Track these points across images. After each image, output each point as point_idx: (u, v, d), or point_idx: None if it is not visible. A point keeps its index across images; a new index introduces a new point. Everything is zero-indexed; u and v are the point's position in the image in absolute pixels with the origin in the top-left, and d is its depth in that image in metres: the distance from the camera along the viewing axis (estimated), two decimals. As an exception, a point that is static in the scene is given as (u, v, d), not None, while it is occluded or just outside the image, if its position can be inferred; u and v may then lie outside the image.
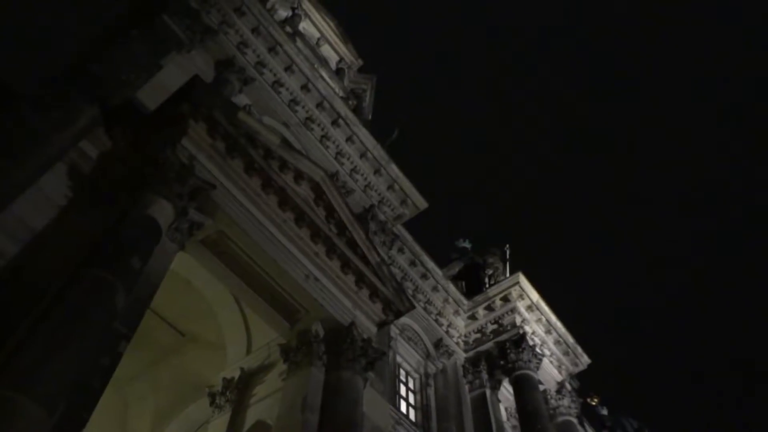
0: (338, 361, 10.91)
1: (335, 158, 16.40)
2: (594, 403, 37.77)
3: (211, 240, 10.59)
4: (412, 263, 19.75)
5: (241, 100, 13.90)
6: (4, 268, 7.79)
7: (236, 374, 12.10)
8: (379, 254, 12.50)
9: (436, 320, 20.13)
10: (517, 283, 20.82)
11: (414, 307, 14.11)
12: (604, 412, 38.33)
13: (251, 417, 11.25)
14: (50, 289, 7.67)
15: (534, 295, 20.97)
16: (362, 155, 17.05)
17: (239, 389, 11.85)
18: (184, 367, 14.38)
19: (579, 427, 21.39)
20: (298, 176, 11.65)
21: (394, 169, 17.55)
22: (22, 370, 6.26)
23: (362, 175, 17.02)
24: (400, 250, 19.31)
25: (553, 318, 21.53)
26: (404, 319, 17.26)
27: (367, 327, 11.86)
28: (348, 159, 16.74)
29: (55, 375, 6.37)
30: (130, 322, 7.99)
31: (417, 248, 19.99)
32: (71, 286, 7.39)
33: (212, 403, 12.15)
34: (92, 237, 8.52)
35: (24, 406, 5.93)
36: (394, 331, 16.93)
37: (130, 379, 14.86)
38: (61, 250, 8.30)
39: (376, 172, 17.29)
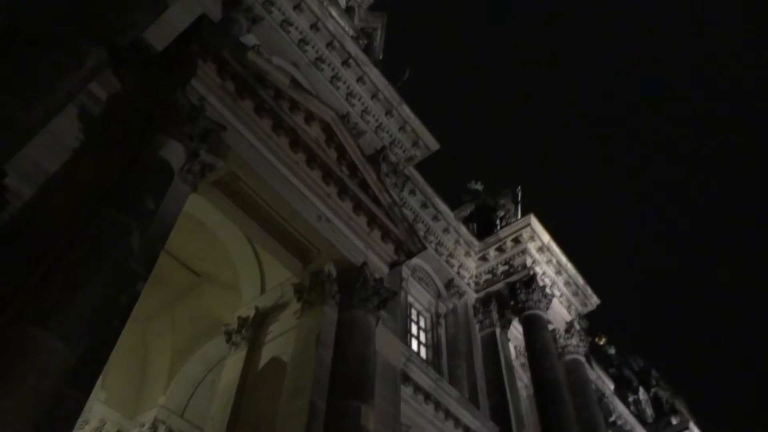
0: (351, 300, 11.11)
1: (346, 99, 16.21)
2: (602, 343, 38.44)
3: (224, 182, 10.64)
4: (424, 205, 19.79)
5: (250, 40, 13.65)
6: (21, 209, 7.88)
7: (251, 313, 12.37)
8: (390, 195, 12.52)
9: (447, 261, 20.34)
10: (529, 224, 20.88)
11: (425, 248, 14.23)
12: (612, 351, 39.04)
13: (267, 354, 11.57)
14: (66, 231, 7.79)
15: (545, 237, 21.05)
16: (373, 96, 16.84)
17: (254, 327, 12.14)
18: (200, 306, 14.73)
19: (586, 366, 21.82)
20: (309, 117, 11.56)
21: (405, 110, 17.35)
22: (44, 308, 6.43)
23: (373, 116, 16.86)
24: (412, 192, 19.32)
25: (564, 259, 21.67)
26: (415, 260, 17.44)
27: (379, 267, 12.01)
28: (359, 100, 16.55)
29: (76, 312, 6.54)
30: (146, 263, 8.12)
31: (428, 190, 19.99)
32: (87, 227, 7.49)
33: (228, 340, 12.47)
34: (105, 179, 8.59)
35: (47, 341, 6.12)
36: (405, 271, 17.14)
37: (149, 318, 15.29)
38: (76, 191, 8.38)
39: (388, 113, 17.11)
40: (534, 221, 20.95)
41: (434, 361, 17.16)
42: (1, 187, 7.46)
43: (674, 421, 32.41)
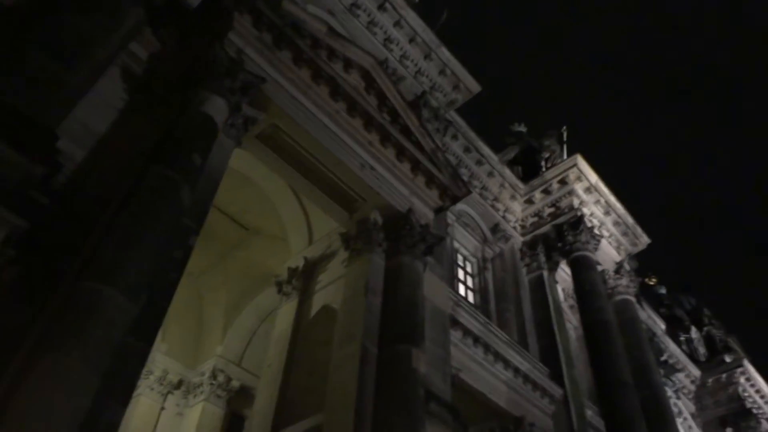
0: (398, 247, 11.18)
1: (383, 45, 15.91)
2: (652, 284, 37.84)
3: (266, 134, 10.69)
4: (467, 150, 19.54)
5: (283, -12, 13.43)
6: (75, 171, 8.10)
7: (300, 263, 12.61)
8: (433, 140, 12.39)
9: (493, 206, 20.17)
10: (575, 165, 20.43)
11: (470, 192, 14.13)
12: (663, 291, 38.44)
13: (317, 302, 11.84)
14: (119, 189, 8.01)
15: (592, 177, 20.59)
16: (411, 40, 16.48)
17: (304, 277, 12.39)
18: (250, 259, 15.10)
19: (637, 306, 21.60)
20: (348, 65, 11.43)
21: (444, 53, 16.95)
22: (105, 264, 6.68)
23: (412, 60, 16.54)
24: (454, 137, 19.06)
25: (612, 199, 21.22)
26: (460, 206, 17.35)
27: (425, 213, 12.00)
28: (397, 45, 16.22)
29: (135, 267, 6.78)
30: (196, 218, 8.33)
31: (471, 134, 19.68)
32: (139, 186, 7.68)
33: (279, 291, 12.79)
34: (152, 137, 8.74)
35: (111, 295, 6.38)
36: (450, 217, 17.09)
37: (202, 272, 15.78)
38: (125, 151, 8.56)
39: (427, 57, 16.75)
40: (580, 161, 20.47)
41: (482, 305, 17.26)
42: (55, 150, 7.64)
43: (728, 359, 31.92)
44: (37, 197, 7.04)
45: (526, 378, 15.69)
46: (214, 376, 15.66)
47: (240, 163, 11.62)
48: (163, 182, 7.66)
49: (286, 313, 12.23)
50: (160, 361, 15.80)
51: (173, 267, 7.77)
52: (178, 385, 16.19)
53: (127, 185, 7.95)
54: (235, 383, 15.91)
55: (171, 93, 9.30)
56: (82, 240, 7.39)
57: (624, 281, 20.92)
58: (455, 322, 13.87)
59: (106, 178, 8.18)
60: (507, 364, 15.30)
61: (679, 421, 22.06)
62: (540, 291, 18.99)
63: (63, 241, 7.30)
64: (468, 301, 16.09)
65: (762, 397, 31.14)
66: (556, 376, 16.64)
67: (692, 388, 30.03)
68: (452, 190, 12.54)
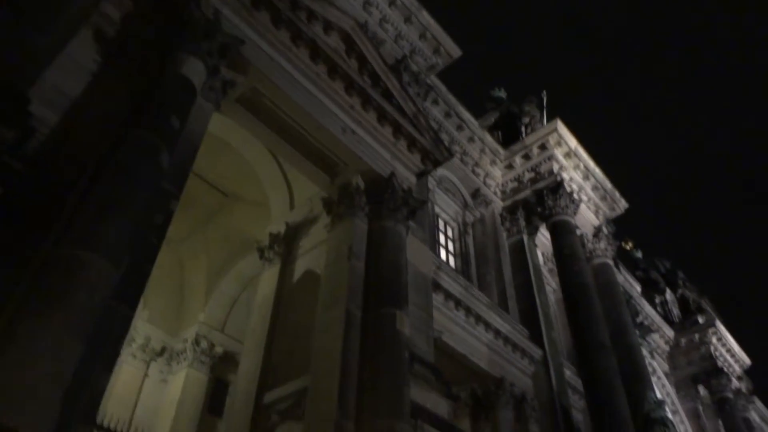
0: (380, 212, 11.18)
1: (363, 8, 15.62)
2: (629, 248, 38.49)
3: (246, 98, 10.51)
4: (447, 114, 19.46)
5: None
6: (49, 136, 7.90)
7: (282, 229, 12.55)
8: (415, 104, 12.31)
9: (473, 171, 20.22)
10: (555, 129, 20.48)
11: (452, 155, 14.13)
12: (639, 255, 39.15)
13: (300, 267, 11.84)
14: (96, 153, 7.84)
15: (572, 142, 20.69)
16: (391, 3, 16.21)
17: (286, 243, 12.35)
18: (231, 225, 15.00)
19: (614, 269, 21.98)
20: (327, 27, 11.23)
21: (425, 17, 16.72)
22: (84, 229, 6.57)
23: (392, 24, 16.29)
24: (435, 102, 18.95)
25: (591, 164, 21.38)
26: (441, 171, 17.37)
27: (407, 177, 11.99)
28: (376, 8, 15.94)
29: (115, 232, 6.68)
30: (176, 182, 8.22)
31: (452, 99, 19.58)
32: (116, 149, 7.53)
33: (261, 257, 12.75)
34: (128, 100, 8.53)
35: (92, 260, 6.30)
36: (431, 182, 17.11)
37: (182, 239, 15.65)
38: (100, 114, 8.35)
39: (407, 20, 16.51)
40: (560, 126, 20.53)
41: (463, 269, 17.43)
42: (27, 113, 7.43)
43: (700, 320, 32.81)
44: (9, 162, 6.87)
45: (507, 340, 15.97)
46: (197, 342, 15.68)
47: (219, 128, 11.44)
48: (142, 145, 7.51)
49: (269, 278, 12.21)
50: (142, 328, 15.75)
51: (154, 232, 7.68)
52: (161, 352, 16.19)
53: (103, 149, 7.78)
54: (219, 349, 15.96)
55: (147, 55, 9.05)
56: (59, 205, 7.25)
57: (602, 245, 21.24)
58: (437, 286, 14.00)
59: (82, 143, 7.98)
60: (488, 326, 15.54)
61: (653, 380, 22.66)
62: (520, 255, 19.21)
63: (40, 206, 7.14)
64: (449, 266, 16.24)
65: (732, 355, 32.15)
66: (536, 338, 16.96)
67: (666, 348, 30.88)
68: (434, 154, 12.52)
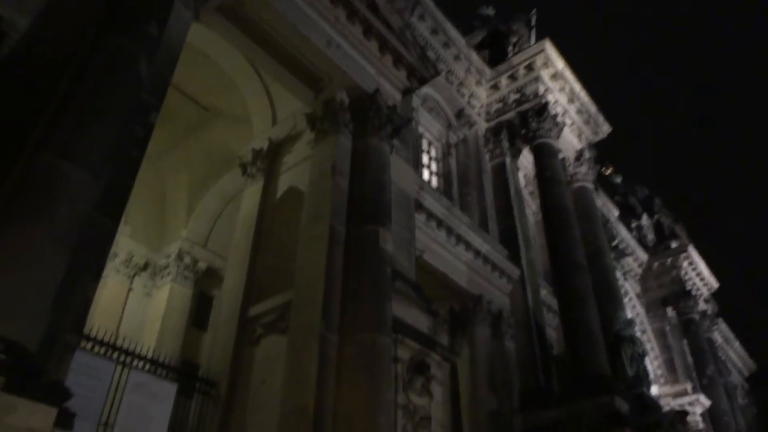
0: (364, 129, 11.06)
1: None
2: (609, 173, 38.84)
3: (227, 6, 10.07)
4: (434, 31, 18.91)
5: None
6: (20, 42, 7.55)
7: (264, 145, 12.40)
8: (402, 18, 11.94)
9: (458, 90, 19.91)
10: (543, 50, 20.08)
11: (438, 73, 13.87)
12: (618, 180, 39.60)
13: (283, 184, 11.79)
14: (71, 61, 7.53)
15: (559, 64, 20.36)
16: None
17: (269, 159, 12.24)
18: (212, 141, 14.77)
19: (594, 193, 22.24)
20: (312, -68, 10.67)
21: (413, -75, 15.96)
22: (63, 139, 6.40)
23: (379, -68, 15.50)
24: (421, 18, 18.34)
25: (578, 87, 21.16)
26: (426, 89, 17.08)
27: (392, 94, 11.79)
28: None
29: (95, 143, 6.53)
30: (156, 92, 8.00)
31: (439, 15, 18.97)
32: (93, 57, 7.23)
33: (244, 173, 12.65)
34: (103, 3, 8.12)
35: (72, 171, 6.17)
36: (415, 101, 16.86)
37: (163, 154, 15.40)
38: (74, 18, 7.95)
39: (394, -72, 15.71)
40: (549, 47, 20.11)
41: (446, 189, 17.50)
42: (-6, 17, 7.06)
43: (674, 244, 33.70)
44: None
45: (486, 259, 16.29)
46: (180, 258, 15.78)
47: (198, 40, 11.02)
48: (120, 52, 7.22)
49: (252, 194, 12.17)
50: (125, 243, 15.76)
51: (135, 144, 7.54)
52: (145, 267, 16.31)
53: (80, 56, 7.45)
54: (202, 265, 16.10)
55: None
56: (35, 114, 7.02)
57: (583, 169, 21.38)
58: (420, 206, 14.08)
59: (56, 48, 7.64)
60: (468, 246, 15.79)
61: (624, 301, 23.46)
62: (502, 177, 19.29)
63: (13, 115, 6.92)
64: (432, 186, 16.28)
65: (702, 279, 33.29)
66: (514, 258, 17.32)
67: (639, 271, 31.83)
68: (420, 70, 12.27)
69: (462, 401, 14.74)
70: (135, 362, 8.94)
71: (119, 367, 8.47)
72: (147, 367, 9.19)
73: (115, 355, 8.69)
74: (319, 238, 9.92)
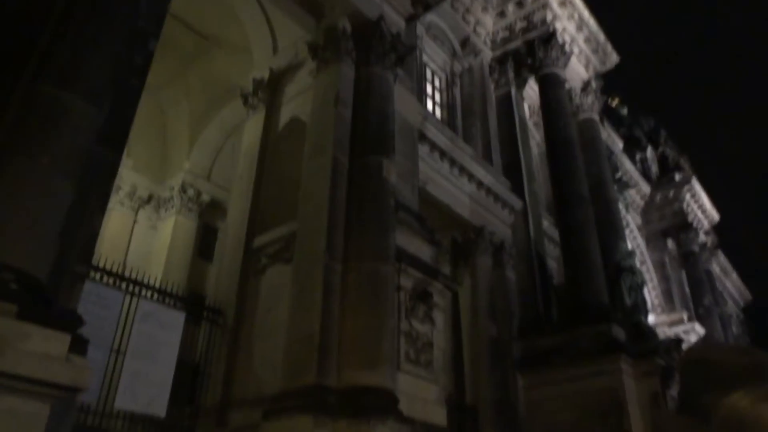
0: (368, 57, 10.81)
1: None
2: (615, 104, 38.29)
3: (223, -73, 9.69)
4: (439, -45, 18.17)
5: None
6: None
7: (265, 74, 12.17)
8: (405, -61, 11.44)
9: (464, 18, 19.34)
10: (551, -26, 19.37)
11: (443, -1, 13.42)
12: (624, 112, 39.07)
13: (285, 114, 11.65)
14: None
15: (568, -11, 19.69)
16: None
17: (270, 89, 12.04)
18: (213, 71, 14.51)
19: (599, 125, 21.97)
20: None
21: None
22: (61, 69, 6.28)
23: None
24: (426, -60, 17.59)
25: (587, 14, 20.54)
26: (431, 17, 16.60)
27: (396, 21, 11.46)
28: None
29: (94, 72, 6.42)
30: (154, 20, 7.79)
31: (444, -63, 18.18)
32: (87, -19, 6.99)
33: (245, 103, 12.48)
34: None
35: (72, 101, 6.10)
36: (420, 29, 16.41)
37: (162, 86, 15.18)
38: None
39: None
40: (557, -29, 19.39)
41: (449, 120, 17.30)
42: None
43: (677, 177, 33.61)
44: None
45: (489, 191, 16.30)
46: (183, 190, 15.83)
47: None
48: (115, -23, 6.97)
49: (254, 125, 12.05)
50: (128, 176, 15.77)
51: (135, 73, 7.40)
52: (148, 200, 16.38)
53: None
54: (206, 197, 16.17)
55: None
56: (31, 43, 6.86)
57: (589, 100, 21.04)
58: (423, 137, 13.97)
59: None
60: (471, 177, 15.77)
61: (626, 232, 23.61)
62: (506, 107, 19.03)
63: (8, 43, 6.77)
64: (435, 117, 16.10)
65: (703, 212, 33.42)
66: (517, 190, 17.34)
67: (641, 203, 31.88)
68: (425, -5, 11.89)
69: (463, 329, 15.13)
70: (143, 292, 9.12)
71: (128, 297, 8.64)
72: (155, 297, 9.38)
73: (124, 285, 8.85)
74: (322, 168, 9.89)
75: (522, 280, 16.20)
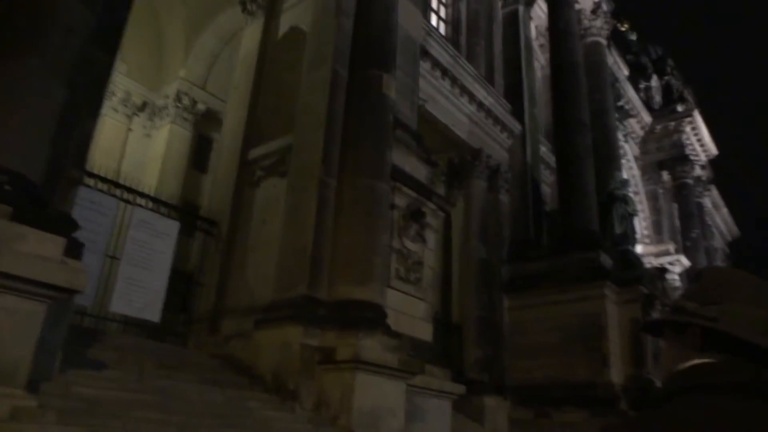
0: (371, -35, 10.32)
1: None
2: (624, 29, 37.23)
3: None
4: None
5: None
6: None
7: (265, -21, 11.67)
8: None
9: (474, -72, 18.37)
10: None
11: None
12: (633, 37, 38.06)
13: (285, 23, 11.27)
14: None
15: None
16: None
17: (270, -5, 11.58)
18: (208, -26, 13.90)
19: (606, 50, 21.43)
20: None
21: None
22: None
23: None
24: None
25: (602, -71, 19.55)
26: (439, -75, 15.77)
27: (402, -69, 10.86)
28: None
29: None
30: None
31: None
32: None
33: (244, 10, 12.04)
34: None
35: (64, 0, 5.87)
36: (428, -62, 15.61)
37: (156, -11, 14.58)
38: None
39: None
40: None
41: (453, 37, 16.78)
42: None
43: (680, 108, 33.17)
44: None
45: (489, 113, 16.07)
46: (178, 98, 15.55)
47: None
48: None
49: (252, 33, 11.68)
50: (122, 82, 15.44)
51: (127, -26, 7.09)
52: (143, 107, 16.12)
53: None
54: (201, 106, 15.91)
55: None
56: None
57: (598, 23, 20.43)
58: (425, 53, 13.59)
59: None
60: (472, 98, 15.49)
61: (622, 162, 23.56)
62: (513, 27, 18.44)
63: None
64: (439, 32, 15.58)
65: (702, 145, 33.25)
66: (517, 113, 17.11)
67: (641, 133, 31.63)
68: None
69: (453, 249, 15.36)
70: (138, 200, 9.13)
71: (122, 204, 8.66)
72: (149, 205, 9.40)
73: (118, 192, 8.84)
74: (321, 81, 9.67)
75: (515, 204, 16.29)
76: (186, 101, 15.71)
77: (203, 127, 16.16)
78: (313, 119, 9.34)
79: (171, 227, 9.26)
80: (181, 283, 10.10)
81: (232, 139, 11.10)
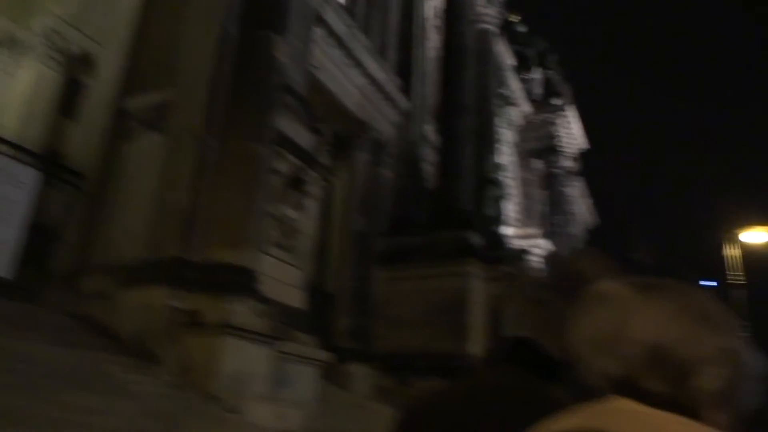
0: None
1: None
2: (516, 20, 38.80)
3: None
4: None
5: None
6: None
7: None
8: None
9: None
10: None
11: None
12: (522, 29, 39.76)
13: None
14: None
15: None
16: None
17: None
18: None
19: (496, 38, 22.25)
20: None
21: None
22: None
23: None
24: None
25: None
26: None
27: None
28: None
29: None
30: None
31: None
32: None
33: (128, -51, 11.19)
34: None
35: None
36: None
37: None
38: None
39: None
40: None
41: (350, 7, 16.66)
42: None
43: (556, 102, 35.34)
44: None
45: (380, 87, 16.23)
46: (47, 36, 14.21)
47: None
48: None
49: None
50: (-19, 10, 13.86)
51: None
52: (4, 41, 14.58)
53: None
54: (75, 48, 14.64)
55: None
56: None
57: (491, 11, 21.12)
58: (320, 20, 13.40)
59: None
60: (364, 70, 15.55)
61: (501, 148, 24.74)
62: (411, 4, 18.66)
63: None
64: (337, 1, 15.41)
65: (574, 139, 35.78)
66: (407, 90, 17.42)
67: (520, 122, 33.39)
68: None
69: (334, 220, 15.50)
70: (-7, 143, 8.35)
71: (-26, 147, 7.89)
72: (8, 151, 8.62)
73: (-30, 132, 8.04)
74: (209, 36, 9.29)
75: (398, 180, 16.68)
76: (56, 40, 14.40)
77: (76, 71, 14.88)
78: (198, 75, 8.98)
79: (29, 176, 8.58)
80: (41, 238, 9.41)
81: (108, 86, 10.41)
